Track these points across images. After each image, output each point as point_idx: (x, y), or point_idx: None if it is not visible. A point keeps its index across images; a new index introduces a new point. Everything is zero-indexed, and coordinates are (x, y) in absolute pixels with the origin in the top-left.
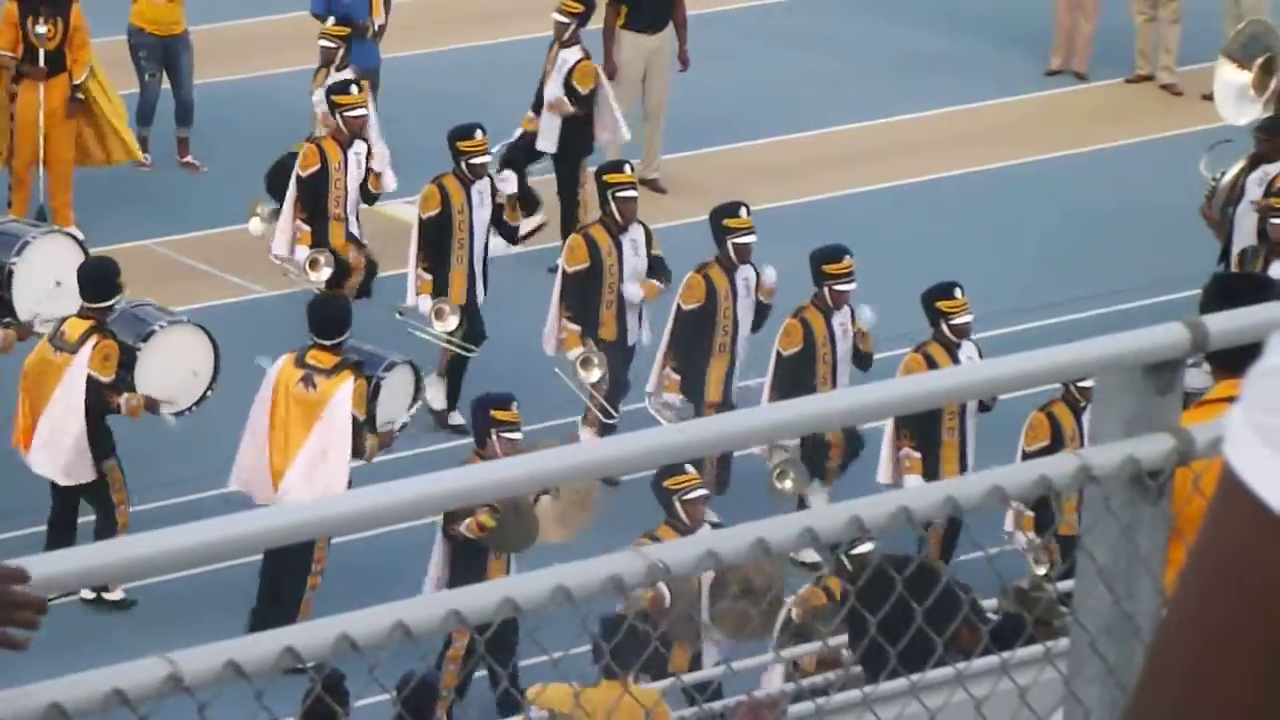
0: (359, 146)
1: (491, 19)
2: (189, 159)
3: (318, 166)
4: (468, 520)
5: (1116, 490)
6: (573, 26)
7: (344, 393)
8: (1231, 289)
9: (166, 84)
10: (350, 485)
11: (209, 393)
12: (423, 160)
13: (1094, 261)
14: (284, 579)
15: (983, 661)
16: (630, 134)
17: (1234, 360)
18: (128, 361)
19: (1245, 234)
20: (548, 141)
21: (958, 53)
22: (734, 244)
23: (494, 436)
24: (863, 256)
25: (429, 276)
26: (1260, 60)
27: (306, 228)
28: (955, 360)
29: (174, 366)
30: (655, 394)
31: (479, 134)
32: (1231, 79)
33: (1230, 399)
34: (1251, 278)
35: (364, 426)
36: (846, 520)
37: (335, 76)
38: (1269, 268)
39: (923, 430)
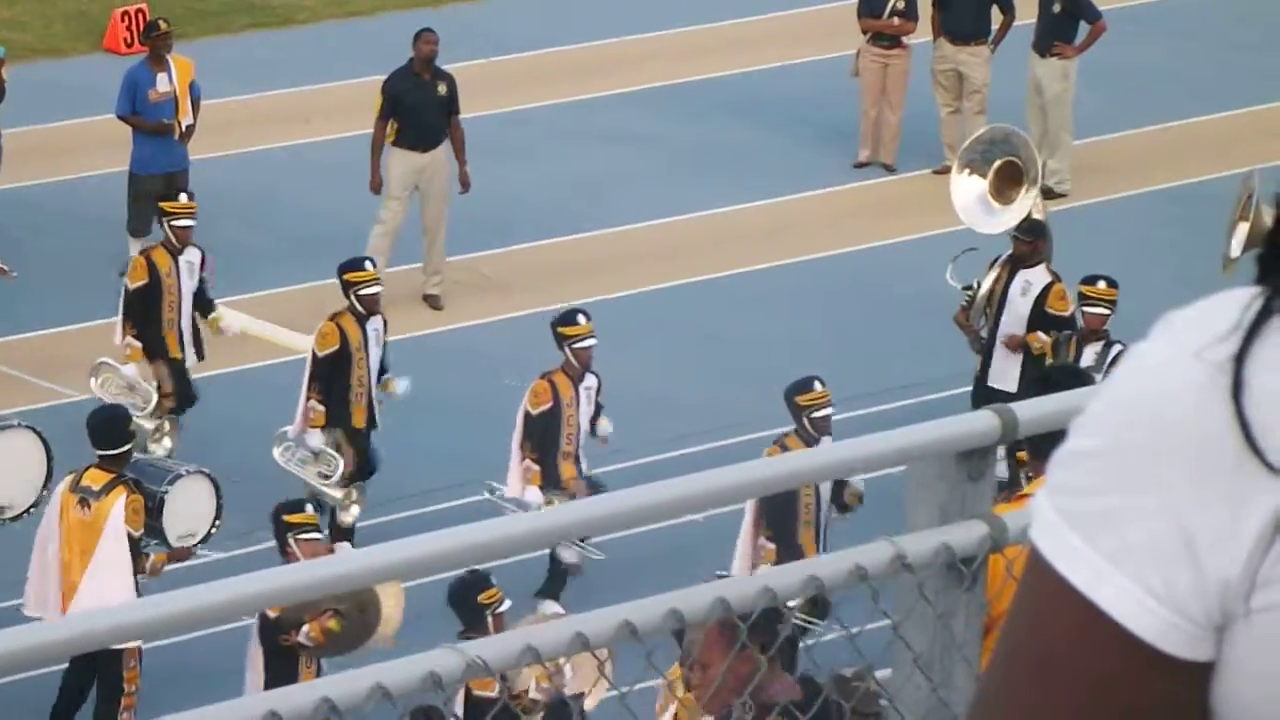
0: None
1: (300, 118)
2: None
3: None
4: (306, 629)
5: (931, 578)
6: None
7: (117, 514)
8: (1050, 381)
9: None
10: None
11: (45, 493)
12: (234, 260)
13: (902, 352)
14: (84, 699)
15: None
16: None
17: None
18: None
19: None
20: None
21: (765, 146)
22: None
23: (291, 541)
24: (671, 350)
25: None
26: (997, 165)
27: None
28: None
29: (5, 470)
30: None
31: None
32: (969, 187)
33: None
34: (1069, 369)
35: (144, 543)
36: (665, 613)
37: None
38: (1080, 356)
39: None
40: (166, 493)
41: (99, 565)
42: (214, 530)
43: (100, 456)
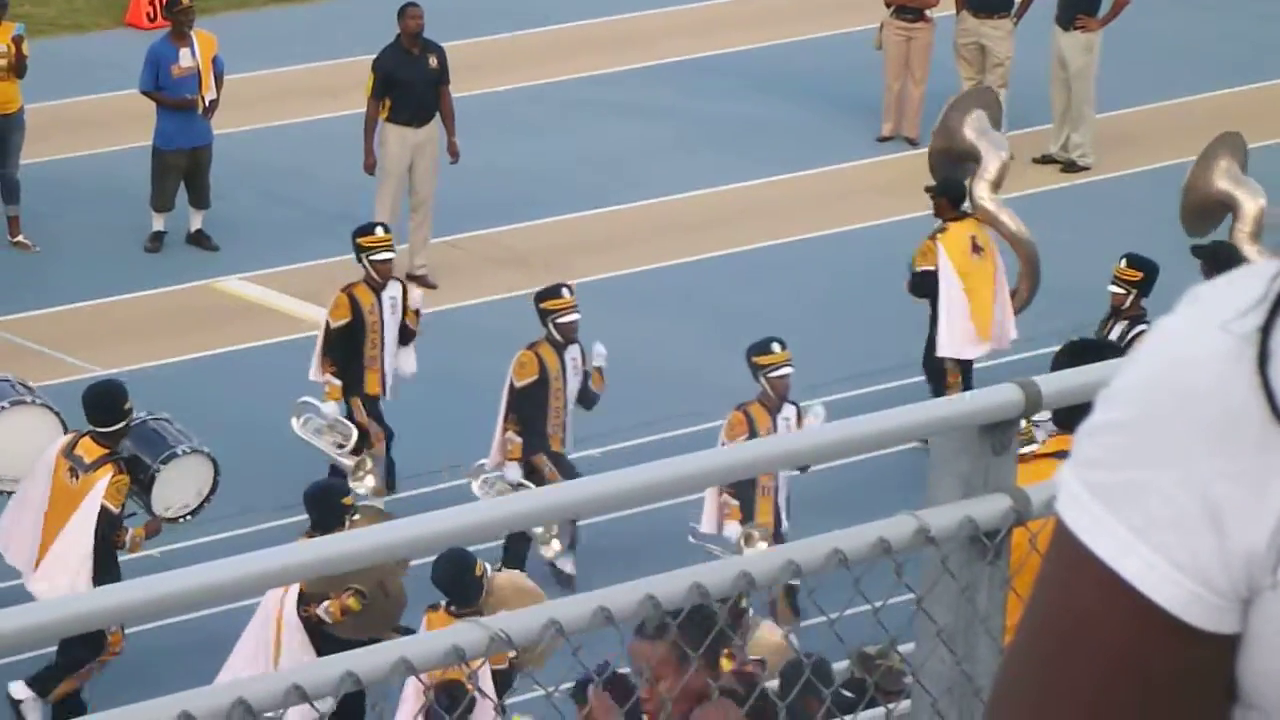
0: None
1: (323, 93)
2: (20, 238)
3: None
4: (327, 604)
5: (954, 551)
6: None
7: (98, 491)
8: (1080, 353)
9: None
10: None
11: None
12: (258, 235)
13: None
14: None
15: None
16: None
17: (1070, 417)
18: None
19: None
20: None
21: (788, 120)
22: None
23: (348, 522)
24: (691, 325)
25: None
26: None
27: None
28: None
29: (19, 445)
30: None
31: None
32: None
33: (1058, 453)
34: (1099, 343)
35: (124, 520)
36: (688, 588)
37: None
38: (1110, 331)
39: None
40: (159, 470)
41: (65, 537)
42: (204, 505)
43: (95, 431)
